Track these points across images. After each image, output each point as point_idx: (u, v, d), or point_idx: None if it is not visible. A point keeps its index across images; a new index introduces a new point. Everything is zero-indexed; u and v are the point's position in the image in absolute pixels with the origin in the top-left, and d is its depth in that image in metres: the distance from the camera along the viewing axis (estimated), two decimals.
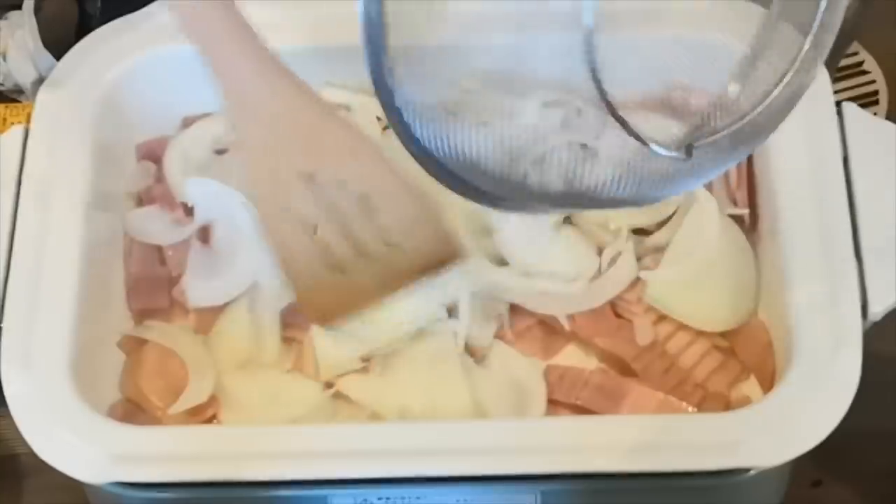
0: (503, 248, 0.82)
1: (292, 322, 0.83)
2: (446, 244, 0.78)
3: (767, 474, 0.75)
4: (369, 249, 0.77)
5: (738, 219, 0.86)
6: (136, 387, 0.81)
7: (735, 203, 0.85)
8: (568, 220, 0.84)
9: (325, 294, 0.78)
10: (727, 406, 0.80)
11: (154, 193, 0.88)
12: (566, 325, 0.81)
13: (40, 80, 0.94)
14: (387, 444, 0.74)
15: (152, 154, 0.90)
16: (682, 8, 0.87)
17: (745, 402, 0.80)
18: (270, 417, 0.80)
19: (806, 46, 0.66)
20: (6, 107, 1.03)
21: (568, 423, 0.76)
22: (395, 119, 0.61)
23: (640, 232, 0.85)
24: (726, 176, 0.85)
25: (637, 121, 0.61)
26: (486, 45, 0.62)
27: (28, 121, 0.87)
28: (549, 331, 0.83)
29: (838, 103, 0.83)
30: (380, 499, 0.76)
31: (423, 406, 0.79)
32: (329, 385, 0.81)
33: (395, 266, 0.77)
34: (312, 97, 0.76)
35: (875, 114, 0.93)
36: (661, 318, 0.83)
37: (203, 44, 0.74)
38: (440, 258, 0.77)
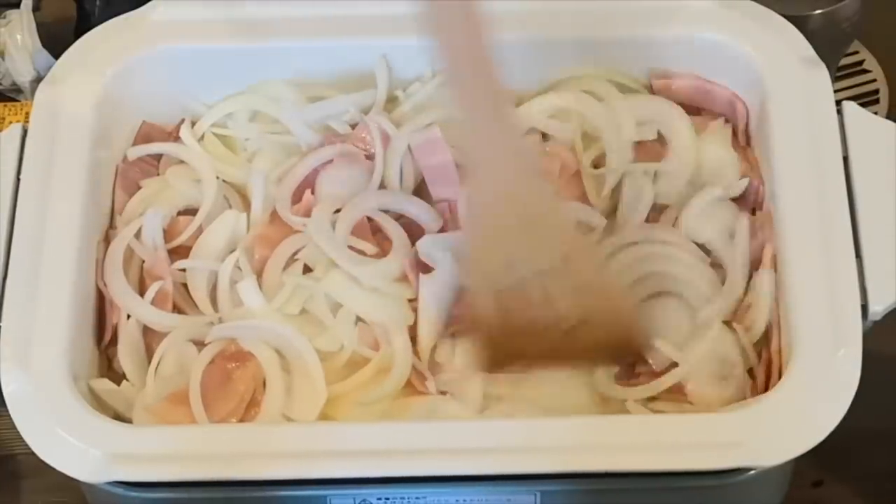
0: None
1: None
2: (633, 343, 0.81)
3: (768, 474, 0.75)
4: (557, 328, 0.79)
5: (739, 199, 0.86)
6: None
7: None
8: None
9: (500, 347, 0.80)
10: None
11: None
12: None
13: (39, 79, 0.94)
14: (387, 444, 0.74)
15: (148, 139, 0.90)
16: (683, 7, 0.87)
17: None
18: None
19: None
20: (5, 106, 1.03)
21: (568, 423, 0.76)
22: None
23: None
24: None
25: None
26: None
27: (27, 119, 0.87)
28: None
29: (839, 102, 0.83)
30: (380, 499, 0.76)
31: None
32: None
33: (573, 348, 0.80)
34: (544, 185, 0.80)
35: (875, 113, 0.92)
36: None
37: (466, 116, 0.76)
38: (622, 354, 0.81)
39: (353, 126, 0.90)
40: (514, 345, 0.80)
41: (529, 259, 0.78)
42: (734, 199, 0.86)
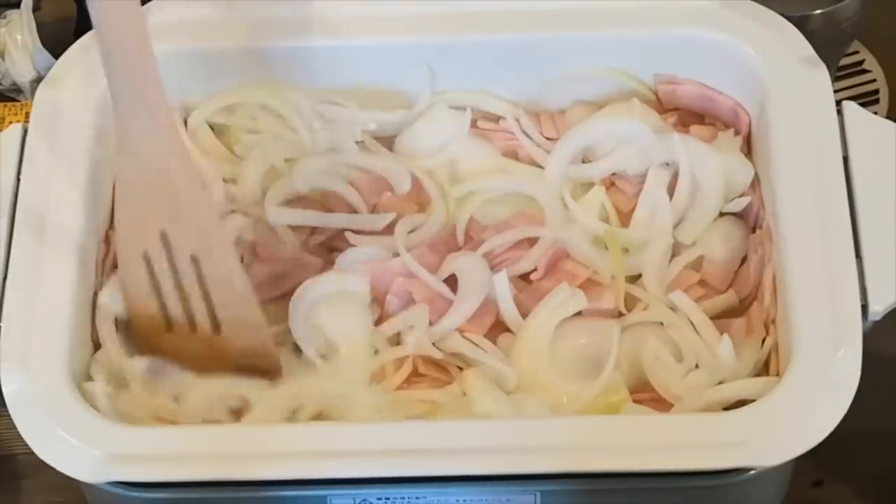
0: None
1: None
2: (266, 354, 0.80)
3: (768, 474, 0.75)
4: (197, 323, 0.80)
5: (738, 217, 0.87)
6: None
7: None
8: None
9: (158, 336, 0.81)
10: None
11: None
12: None
13: (39, 79, 0.94)
14: (387, 444, 0.74)
15: None
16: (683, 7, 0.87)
17: None
18: None
19: None
20: (5, 106, 1.03)
21: (568, 423, 0.76)
22: None
23: None
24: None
25: None
26: None
27: (27, 119, 0.87)
28: None
29: (839, 102, 0.83)
30: (380, 499, 0.76)
31: None
32: None
33: (216, 350, 0.80)
34: (187, 158, 0.78)
35: (875, 113, 0.93)
36: None
37: (113, 84, 0.76)
38: (257, 366, 0.80)
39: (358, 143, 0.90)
40: (165, 339, 0.80)
41: (177, 240, 0.78)
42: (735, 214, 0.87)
